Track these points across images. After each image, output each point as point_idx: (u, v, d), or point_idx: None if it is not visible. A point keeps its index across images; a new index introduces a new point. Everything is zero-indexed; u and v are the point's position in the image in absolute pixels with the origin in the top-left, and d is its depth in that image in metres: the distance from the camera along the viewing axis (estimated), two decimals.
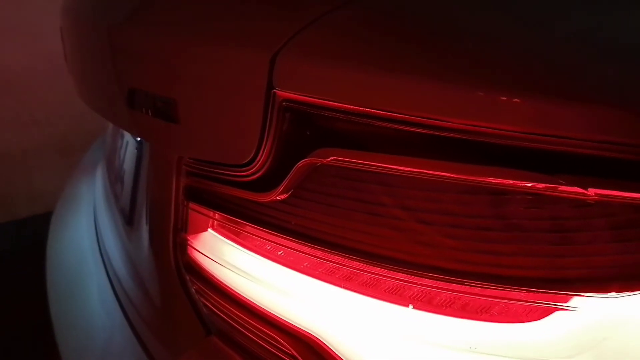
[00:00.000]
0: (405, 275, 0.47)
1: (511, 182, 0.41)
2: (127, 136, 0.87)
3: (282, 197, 0.51)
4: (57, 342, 0.89)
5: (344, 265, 0.51)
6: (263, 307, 0.56)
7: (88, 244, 1.01)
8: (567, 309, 0.43)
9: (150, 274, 0.73)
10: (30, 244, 1.50)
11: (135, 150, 0.81)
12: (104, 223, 0.98)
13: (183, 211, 0.64)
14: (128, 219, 0.82)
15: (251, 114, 0.50)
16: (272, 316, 0.55)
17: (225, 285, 0.60)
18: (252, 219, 0.56)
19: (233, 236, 0.61)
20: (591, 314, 0.42)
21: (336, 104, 0.45)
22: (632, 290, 0.40)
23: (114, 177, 0.96)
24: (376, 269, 0.49)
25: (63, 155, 2.37)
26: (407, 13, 0.48)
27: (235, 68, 0.51)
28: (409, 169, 0.44)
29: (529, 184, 0.40)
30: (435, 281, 0.46)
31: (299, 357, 0.52)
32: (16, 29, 2.22)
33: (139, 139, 0.80)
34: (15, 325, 1.72)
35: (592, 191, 0.39)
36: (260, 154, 0.51)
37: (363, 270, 0.50)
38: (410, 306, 0.48)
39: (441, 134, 0.42)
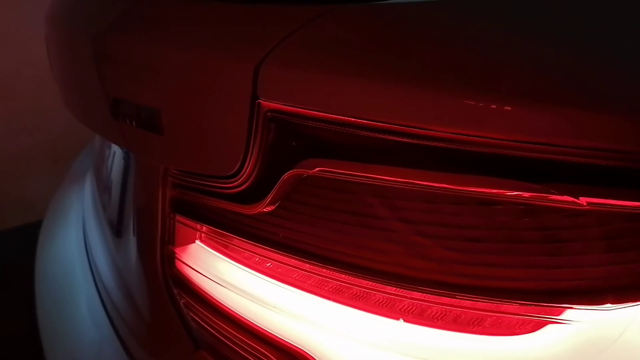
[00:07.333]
0: (396, 288, 0.46)
1: (501, 191, 0.40)
2: (114, 146, 0.86)
3: (269, 209, 0.50)
4: (45, 354, 0.88)
5: (333, 278, 0.50)
6: (251, 320, 0.55)
7: (77, 255, 1.00)
8: (561, 321, 0.42)
9: (138, 287, 0.71)
10: (21, 253, 1.48)
11: (122, 161, 0.80)
12: (92, 234, 0.96)
13: (170, 223, 0.63)
14: (116, 230, 0.81)
15: (236, 125, 0.49)
16: (261, 330, 0.54)
17: (214, 299, 0.59)
18: (239, 232, 0.55)
19: (221, 248, 0.60)
20: (586, 327, 0.41)
21: (322, 113, 0.44)
22: (627, 302, 0.40)
23: (102, 187, 0.94)
24: (365, 282, 0.48)
25: (54, 162, 2.34)
26: (392, 20, 0.47)
27: (219, 78, 0.50)
28: (397, 179, 0.43)
29: (519, 194, 0.39)
30: (426, 294, 0.45)
31: None
32: (1, 35, 2.20)
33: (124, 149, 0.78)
34: (2, 337, 1.69)
35: (583, 200, 0.38)
36: (245, 166, 0.50)
37: (352, 283, 0.49)
38: (401, 319, 0.47)
39: (429, 143, 0.41)
